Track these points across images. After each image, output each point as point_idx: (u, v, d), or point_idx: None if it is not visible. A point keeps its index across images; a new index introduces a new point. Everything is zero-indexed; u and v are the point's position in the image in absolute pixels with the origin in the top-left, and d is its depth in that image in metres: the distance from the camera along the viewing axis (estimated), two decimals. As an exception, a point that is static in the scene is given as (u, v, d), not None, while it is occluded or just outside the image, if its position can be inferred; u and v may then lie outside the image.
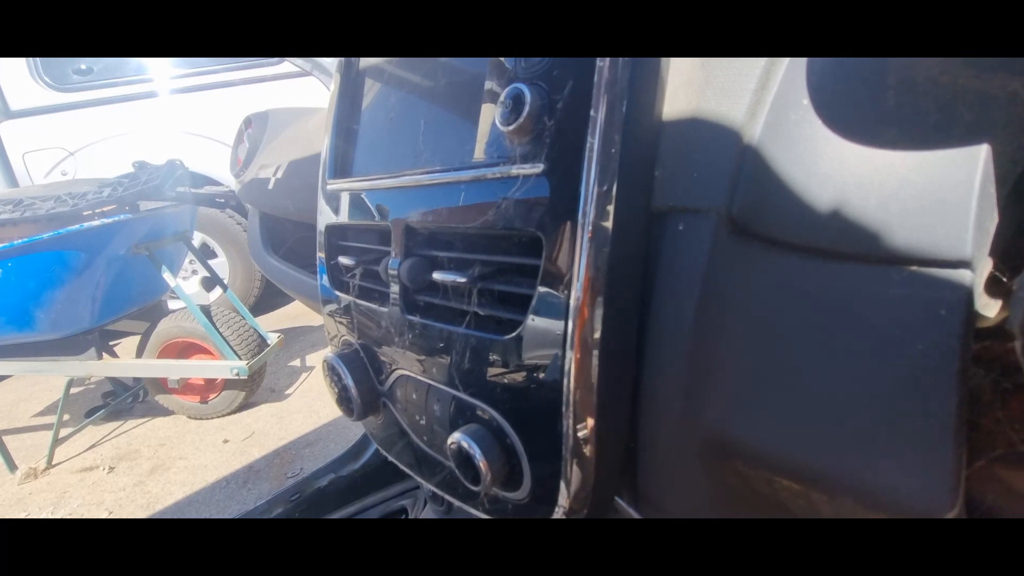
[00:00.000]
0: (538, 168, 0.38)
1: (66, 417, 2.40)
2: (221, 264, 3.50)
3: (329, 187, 0.63)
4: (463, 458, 0.43)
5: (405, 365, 0.52)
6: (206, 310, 2.31)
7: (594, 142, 0.35)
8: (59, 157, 3.41)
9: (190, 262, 3.44)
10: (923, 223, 0.31)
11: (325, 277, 0.65)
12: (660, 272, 0.38)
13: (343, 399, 0.60)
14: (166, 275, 2.25)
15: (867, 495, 0.33)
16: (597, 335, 0.37)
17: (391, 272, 0.51)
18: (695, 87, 0.37)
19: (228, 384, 2.40)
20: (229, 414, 2.48)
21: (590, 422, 0.39)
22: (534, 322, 0.40)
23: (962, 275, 0.30)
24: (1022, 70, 0.29)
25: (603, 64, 0.35)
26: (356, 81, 0.62)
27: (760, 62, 0.36)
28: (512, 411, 0.42)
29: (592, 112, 0.35)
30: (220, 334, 2.24)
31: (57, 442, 2.29)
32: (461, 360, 0.45)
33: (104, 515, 1.93)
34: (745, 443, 0.38)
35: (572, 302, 0.37)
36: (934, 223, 0.31)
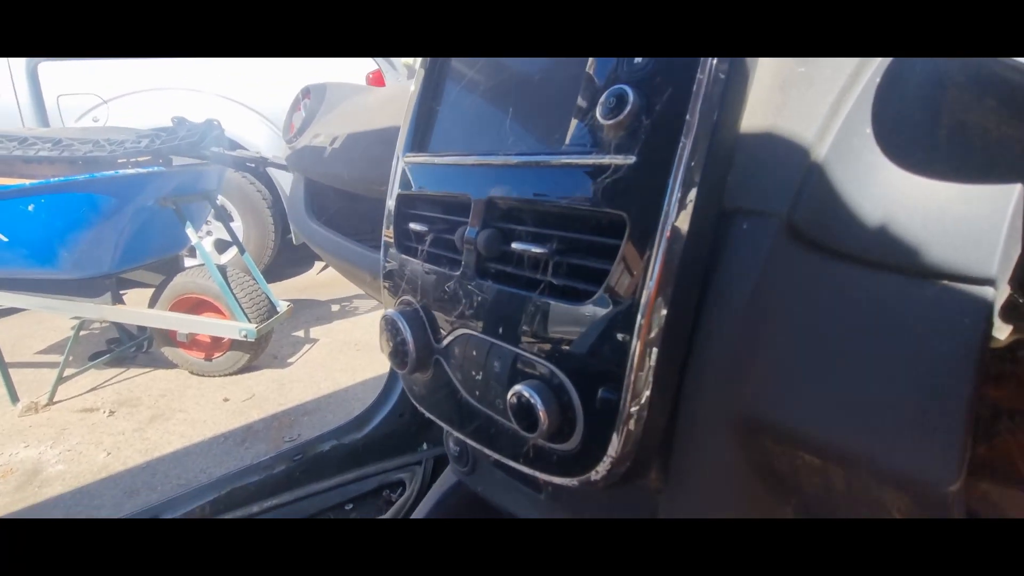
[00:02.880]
0: (630, 160, 0.43)
1: (69, 358, 2.43)
2: (236, 228, 3.54)
3: (406, 159, 0.69)
4: (523, 407, 0.48)
5: (469, 325, 0.58)
6: (222, 269, 2.36)
7: (686, 143, 0.41)
8: (92, 103, 3.45)
9: (205, 222, 3.49)
10: (959, 243, 0.37)
11: (391, 243, 0.71)
12: (722, 265, 0.44)
13: (398, 352, 0.65)
14: (189, 230, 2.30)
15: (880, 469, 0.39)
16: (663, 315, 0.43)
17: (467, 241, 0.56)
18: (773, 107, 0.43)
19: (234, 345, 2.44)
20: (231, 374, 2.52)
21: (646, 390, 0.45)
22: (606, 296, 0.45)
23: (986, 291, 0.36)
24: None
25: (702, 77, 0.41)
26: (443, 63, 0.68)
27: (833, 93, 0.42)
28: (575, 371, 0.48)
29: (688, 116, 0.41)
30: (233, 294, 2.29)
31: (61, 380, 2.33)
32: (531, 323, 0.50)
33: (103, 456, 1.97)
34: (777, 421, 0.43)
35: (645, 282, 0.43)
36: (968, 244, 0.37)
